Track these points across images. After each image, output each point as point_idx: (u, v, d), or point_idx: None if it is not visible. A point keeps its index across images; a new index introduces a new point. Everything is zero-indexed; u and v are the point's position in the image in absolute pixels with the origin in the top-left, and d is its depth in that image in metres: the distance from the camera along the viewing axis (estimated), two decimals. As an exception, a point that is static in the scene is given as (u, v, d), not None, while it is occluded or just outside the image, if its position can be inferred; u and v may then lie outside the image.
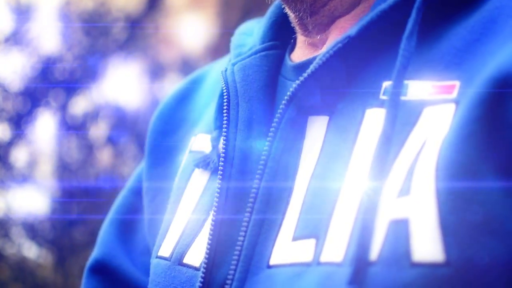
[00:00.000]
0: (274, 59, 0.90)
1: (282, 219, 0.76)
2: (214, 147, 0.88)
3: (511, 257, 0.65)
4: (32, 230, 3.69)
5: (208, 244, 0.80)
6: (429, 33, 0.76)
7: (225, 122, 0.84)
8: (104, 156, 3.82)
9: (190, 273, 0.82)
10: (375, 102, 0.75)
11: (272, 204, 0.78)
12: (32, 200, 3.70)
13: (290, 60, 0.90)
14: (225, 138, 0.84)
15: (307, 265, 0.71)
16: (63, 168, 3.70)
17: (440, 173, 0.67)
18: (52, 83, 3.61)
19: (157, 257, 0.88)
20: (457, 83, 0.71)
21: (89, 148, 3.73)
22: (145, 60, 3.82)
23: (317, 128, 0.79)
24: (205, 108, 0.99)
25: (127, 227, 1.02)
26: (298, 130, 0.80)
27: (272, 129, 0.80)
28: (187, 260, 0.83)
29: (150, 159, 1.00)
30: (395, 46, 0.75)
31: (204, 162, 0.89)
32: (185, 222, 0.87)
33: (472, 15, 0.75)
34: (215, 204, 0.81)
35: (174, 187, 0.93)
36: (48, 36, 3.64)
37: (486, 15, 0.74)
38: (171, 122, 1.01)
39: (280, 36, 0.92)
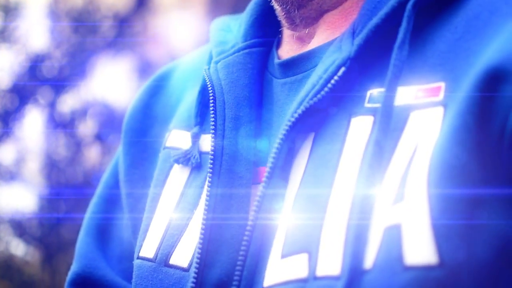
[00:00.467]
0: (258, 57, 0.89)
1: (273, 239, 0.75)
2: (194, 143, 0.88)
3: (503, 258, 0.66)
4: (19, 227, 3.68)
5: (200, 244, 0.79)
6: (415, 40, 0.75)
7: (212, 120, 0.85)
8: (92, 154, 3.82)
9: (179, 274, 0.81)
10: (360, 111, 0.75)
11: (266, 230, 0.77)
12: (19, 198, 3.69)
13: (278, 56, 0.90)
14: (213, 136, 0.83)
15: (303, 281, 0.70)
16: (51, 166, 3.70)
17: (432, 177, 0.67)
18: (40, 80, 3.60)
19: (139, 257, 0.86)
20: (442, 85, 0.71)
21: (77, 146, 3.72)
22: (133, 58, 3.81)
23: (303, 145, 0.78)
24: (177, 103, 0.98)
25: (103, 236, 0.99)
26: (288, 153, 0.78)
27: (271, 159, 0.78)
28: (173, 261, 0.82)
29: (128, 160, 0.97)
30: (381, 55, 0.75)
31: (184, 158, 0.87)
32: (167, 221, 0.86)
33: (455, 16, 0.75)
34: (206, 203, 0.81)
35: (152, 184, 0.92)
36: (37, 33, 3.63)
37: (469, 13, 0.73)
38: (144, 121, 0.99)
39: (263, 34, 0.92)
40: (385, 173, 0.70)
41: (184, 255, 0.82)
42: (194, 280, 0.79)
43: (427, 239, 0.65)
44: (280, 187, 0.77)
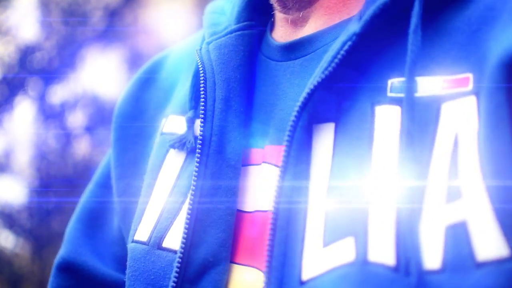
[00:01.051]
0: (250, 39, 0.89)
1: (304, 230, 0.73)
2: (190, 127, 0.87)
3: None
4: (9, 219, 3.68)
5: (186, 224, 0.80)
6: (428, 30, 0.75)
7: (202, 101, 0.84)
8: (82, 146, 3.82)
9: (170, 257, 0.81)
10: (383, 99, 0.74)
11: (291, 218, 0.75)
12: (9, 190, 3.69)
13: (273, 39, 0.89)
14: (203, 116, 0.83)
15: (350, 265, 0.68)
16: (41, 158, 3.69)
17: (485, 170, 0.66)
18: (30, 72, 3.59)
19: (134, 241, 0.87)
20: (469, 75, 0.70)
21: (67, 138, 3.72)
22: (123, 49, 3.81)
23: (324, 136, 0.77)
24: (172, 88, 0.98)
25: (94, 222, 1.00)
26: (305, 140, 0.76)
27: (286, 138, 0.76)
28: (166, 244, 0.83)
29: (119, 145, 0.98)
30: (396, 44, 0.75)
31: (180, 143, 0.87)
32: (162, 205, 0.86)
33: (466, 8, 0.75)
34: (193, 184, 0.81)
35: (148, 170, 0.92)
36: (27, 25, 3.62)
37: (480, 5, 0.74)
38: (137, 106, 0.99)
39: (255, 17, 0.92)
40: (429, 167, 0.69)
41: (176, 238, 0.82)
42: (180, 260, 0.79)
43: (495, 233, 0.65)
44: (302, 175, 0.75)
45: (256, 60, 0.89)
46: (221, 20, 0.93)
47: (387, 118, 0.73)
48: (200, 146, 0.82)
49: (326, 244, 0.71)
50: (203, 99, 0.84)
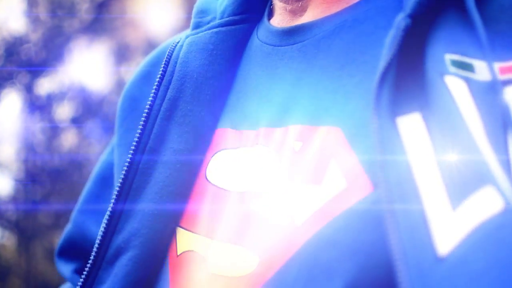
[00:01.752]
0: (227, 37, 0.90)
1: (418, 197, 0.66)
2: None
3: None
4: (-5, 211, 3.67)
5: (106, 220, 0.83)
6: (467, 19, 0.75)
7: (150, 99, 0.86)
8: (69, 138, 3.81)
9: None
10: (447, 71, 0.72)
11: (402, 194, 0.66)
12: (-4, 182, 3.68)
13: (271, 25, 0.89)
14: (145, 115, 0.85)
15: (501, 214, 0.61)
16: (28, 150, 3.69)
17: None
18: (17, 64, 3.58)
19: None
20: None
21: (54, 130, 3.72)
22: (111, 42, 3.80)
23: (412, 126, 0.72)
24: None
25: (103, 183, 1.05)
26: (392, 133, 0.71)
27: (373, 134, 0.70)
28: None
29: (124, 125, 0.99)
30: (443, 20, 0.75)
31: None
32: None
33: None
34: (119, 180, 0.84)
35: None
36: (14, 17, 3.61)
37: None
38: (140, 95, 1.01)
39: (243, 10, 0.93)
40: None
41: None
42: (96, 250, 0.83)
43: None
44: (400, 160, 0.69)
45: (240, 57, 0.90)
46: (211, 8, 0.93)
47: (459, 91, 0.71)
48: (136, 143, 0.84)
49: (455, 205, 0.63)
50: (152, 97, 0.86)
